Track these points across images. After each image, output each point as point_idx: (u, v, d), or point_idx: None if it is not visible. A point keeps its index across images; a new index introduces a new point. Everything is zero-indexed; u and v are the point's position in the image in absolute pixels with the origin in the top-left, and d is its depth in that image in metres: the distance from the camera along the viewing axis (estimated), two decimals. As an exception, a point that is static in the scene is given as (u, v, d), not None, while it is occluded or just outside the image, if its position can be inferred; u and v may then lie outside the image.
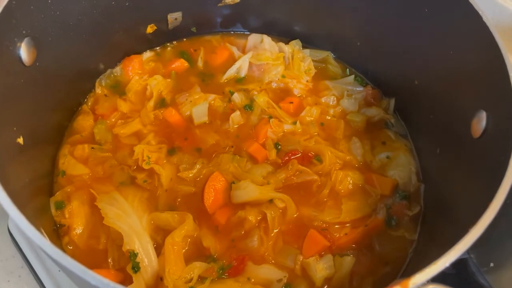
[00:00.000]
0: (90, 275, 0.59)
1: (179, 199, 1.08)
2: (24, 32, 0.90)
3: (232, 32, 1.43)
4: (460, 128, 0.94)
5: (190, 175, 1.11)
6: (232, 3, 1.33)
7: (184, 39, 1.39)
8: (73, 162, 1.11)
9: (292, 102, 1.26)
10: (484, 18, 0.88)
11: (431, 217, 1.07)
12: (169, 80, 1.28)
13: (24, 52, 0.90)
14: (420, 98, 1.15)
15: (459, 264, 1.20)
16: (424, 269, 0.61)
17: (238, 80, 1.31)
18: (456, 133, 0.97)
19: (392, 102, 1.27)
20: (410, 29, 1.10)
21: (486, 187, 0.78)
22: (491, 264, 1.10)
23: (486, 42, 0.87)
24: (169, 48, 1.37)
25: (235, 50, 1.36)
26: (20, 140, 0.91)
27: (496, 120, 0.83)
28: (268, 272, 0.98)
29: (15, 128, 0.89)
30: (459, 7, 0.93)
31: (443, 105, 1.05)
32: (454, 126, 0.98)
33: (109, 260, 0.99)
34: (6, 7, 0.83)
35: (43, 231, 0.83)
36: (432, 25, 1.03)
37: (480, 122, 0.87)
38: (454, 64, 0.99)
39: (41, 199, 1.03)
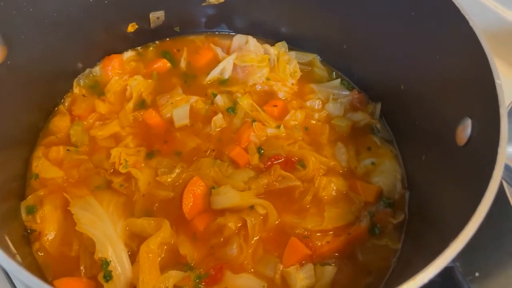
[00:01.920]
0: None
1: (156, 205, 1.05)
2: (-8, 28, 0.86)
3: (216, 33, 1.40)
4: (446, 135, 0.92)
5: (169, 179, 1.07)
6: (216, 2, 1.29)
7: (167, 39, 1.36)
8: (47, 165, 1.07)
9: (276, 106, 1.23)
10: (471, 23, 0.85)
11: (415, 225, 1.04)
12: (150, 80, 1.25)
13: (-7, 49, 0.87)
14: (406, 104, 1.13)
15: (445, 272, 1.19)
16: (401, 285, 0.58)
17: (222, 82, 1.28)
18: (441, 140, 0.95)
19: (378, 106, 1.24)
20: (397, 33, 1.08)
21: (471, 196, 0.76)
22: (476, 274, 1.09)
23: (472, 48, 0.84)
24: (151, 48, 1.33)
25: (219, 51, 1.33)
26: (-11, 141, 0.87)
27: (481, 128, 0.81)
28: (246, 281, 0.95)
29: (-17, 129, 0.85)
30: (446, 11, 0.91)
31: (428, 111, 1.02)
32: (439, 133, 0.96)
33: (81, 268, 0.95)
34: (-27, 2, 0.79)
35: (7, 238, 0.79)
36: (418, 29, 1.01)
37: (465, 129, 0.85)
38: (440, 69, 0.96)
39: (11, 203, 0.99)
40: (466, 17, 0.86)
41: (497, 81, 0.78)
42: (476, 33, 0.84)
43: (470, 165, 0.82)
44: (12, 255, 0.62)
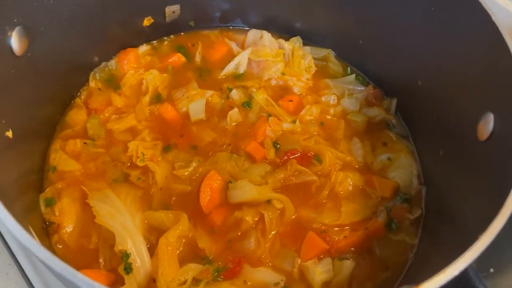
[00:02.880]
0: (80, 278, 0.55)
1: (174, 198, 1.05)
2: (15, 20, 0.86)
3: (231, 27, 1.40)
4: (466, 130, 0.92)
5: (186, 173, 1.07)
6: (231, -3, 1.30)
7: (182, 33, 1.36)
8: (64, 158, 1.07)
9: (291, 100, 1.23)
10: (494, 18, 0.85)
11: (432, 221, 1.04)
12: (166, 75, 1.25)
13: (15, 41, 0.87)
14: (423, 99, 1.13)
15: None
16: (432, 278, 0.58)
17: (237, 77, 1.28)
18: (461, 136, 0.94)
19: (394, 102, 1.24)
20: (415, 28, 1.08)
21: (493, 192, 0.76)
22: (491, 270, 1.09)
23: (494, 43, 0.84)
24: (166, 42, 1.33)
25: (234, 46, 1.33)
26: (9, 133, 0.87)
27: (504, 123, 0.80)
28: (264, 275, 0.95)
29: (4, 121, 0.85)
30: (467, 6, 0.90)
31: (447, 106, 1.02)
32: (459, 128, 0.96)
33: (100, 260, 0.96)
34: (-4, -6, 0.79)
35: (31, 229, 0.80)
36: (438, 24, 1.00)
37: (487, 124, 0.84)
38: (460, 64, 0.96)
39: (30, 196, 0.99)
40: (489, 12, 0.86)
41: (521, 76, 0.77)
42: (498, 27, 0.84)
43: (492, 160, 0.82)
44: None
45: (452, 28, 0.97)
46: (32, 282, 1.06)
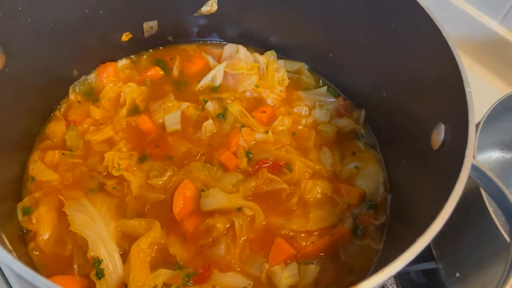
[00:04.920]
0: (41, 281, 0.59)
1: (148, 206, 1.09)
2: (-8, 38, 0.91)
3: (208, 42, 1.45)
4: (422, 140, 0.96)
5: (160, 182, 1.11)
6: (208, 13, 1.35)
7: (160, 48, 1.40)
8: (42, 168, 1.11)
9: (265, 112, 1.28)
10: (444, 33, 0.90)
11: (396, 226, 1.09)
12: (144, 87, 1.29)
13: (-8, 58, 0.91)
14: (388, 110, 1.18)
15: (430, 274, 1.23)
16: (371, 277, 0.62)
17: (213, 89, 1.33)
18: (418, 145, 0.99)
19: (363, 113, 1.29)
20: (378, 43, 1.13)
21: (443, 197, 0.80)
22: (457, 274, 1.13)
23: (445, 56, 0.89)
24: (144, 56, 1.38)
25: (210, 59, 1.38)
26: (-13, 144, 0.91)
27: (453, 133, 0.85)
28: (233, 280, 0.99)
29: (-19, 132, 0.90)
30: (422, 22, 0.95)
31: (407, 117, 1.07)
32: (417, 138, 1.00)
33: (75, 267, 0.99)
34: (-27, 13, 0.84)
35: (4, 237, 0.83)
36: (397, 40, 1.06)
37: (439, 134, 0.89)
38: (417, 77, 1.01)
39: (8, 204, 1.03)
40: (440, 27, 0.91)
41: (467, 89, 0.82)
42: (448, 42, 0.89)
43: (444, 168, 0.87)
44: (8, 251, 0.66)
45: (409, 42, 1.02)
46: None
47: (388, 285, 1.23)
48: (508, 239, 0.85)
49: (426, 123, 0.95)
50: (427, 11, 0.93)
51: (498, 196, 0.81)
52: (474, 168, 0.80)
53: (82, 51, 1.23)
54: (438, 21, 0.92)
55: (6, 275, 1.10)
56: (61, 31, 1.12)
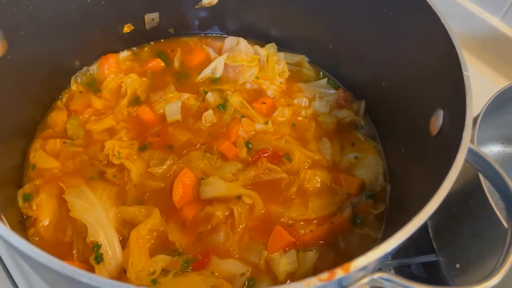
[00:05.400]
0: (51, 260, 0.59)
1: (147, 194, 1.09)
2: (-6, 23, 0.92)
3: (209, 35, 1.46)
4: (421, 127, 0.96)
5: (160, 171, 1.12)
6: (208, 5, 1.36)
7: (162, 40, 1.42)
8: (44, 156, 1.12)
9: (265, 103, 1.29)
10: (442, 20, 0.91)
11: (395, 215, 1.09)
12: (145, 79, 1.30)
13: (-6, 43, 0.92)
14: (387, 100, 1.18)
15: (430, 267, 1.23)
16: (366, 254, 0.63)
17: (213, 81, 1.34)
18: (417, 133, 0.99)
19: (363, 104, 1.29)
20: (377, 34, 1.13)
21: (439, 183, 0.80)
22: (457, 266, 1.12)
23: (444, 43, 0.89)
24: (146, 48, 1.39)
25: (211, 52, 1.39)
26: (-11, 129, 0.92)
27: (451, 118, 0.86)
28: (231, 266, 0.99)
29: (-17, 118, 0.91)
30: (421, 10, 0.96)
31: (406, 106, 1.08)
32: (416, 126, 1.01)
33: (74, 252, 1.00)
34: (-24, -1, 0.85)
35: (5, 221, 0.84)
36: (397, 29, 1.06)
37: (438, 120, 0.90)
38: (416, 66, 1.02)
39: (9, 191, 1.04)
40: (438, 14, 0.92)
41: (465, 73, 0.83)
42: (447, 28, 0.89)
43: (441, 154, 0.87)
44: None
45: (408, 31, 1.02)
46: (16, 281, 1.09)
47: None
48: (506, 224, 0.85)
49: (425, 110, 0.95)
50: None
51: (497, 180, 0.81)
52: (472, 152, 0.80)
53: (84, 42, 1.24)
54: (436, 7, 0.92)
55: (8, 268, 1.11)
56: (63, 21, 1.13)
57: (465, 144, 0.74)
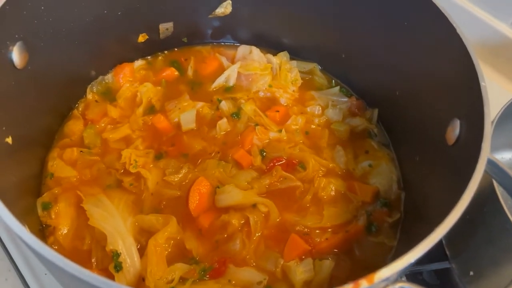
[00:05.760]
0: (75, 268, 0.61)
1: (164, 203, 1.11)
2: (16, 36, 0.93)
3: (222, 43, 1.47)
4: (437, 136, 0.97)
5: (176, 179, 1.13)
6: (222, 15, 1.37)
7: (175, 49, 1.43)
8: (61, 165, 1.13)
9: (278, 111, 1.30)
10: (458, 30, 0.92)
11: (410, 223, 1.09)
12: (159, 87, 1.32)
13: (16, 55, 0.93)
14: (401, 109, 1.19)
15: (443, 275, 1.23)
16: (390, 264, 0.63)
17: (227, 89, 1.35)
18: (433, 141, 1.00)
19: (376, 112, 1.30)
20: (391, 42, 1.15)
21: (458, 192, 0.80)
22: (471, 273, 1.12)
23: (460, 53, 0.90)
24: (160, 57, 1.41)
25: (224, 60, 1.40)
26: (9, 139, 0.93)
27: (468, 127, 0.86)
28: (248, 274, 1.00)
29: (4, 128, 0.92)
30: (436, 20, 0.97)
31: (422, 114, 1.08)
32: (431, 135, 1.01)
33: (93, 261, 1.01)
34: (-1, 12, 0.87)
35: (27, 228, 0.85)
36: (411, 38, 1.07)
37: (454, 130, 0.90)
38: (431, 75, 1.03)
39: (28, 200, 1.05)
40: (454, 25, 0.93)
41: (482, 83, 0.84)
42: (463, 39, 0.90)
43: (459, 163, 0.88)
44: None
45: (423, 41, 1.03)
46: (31, 287, 1.11)
47: None
48: (523, 233, 0.85)
49: (440, 119, 0.96)
50: (441, 10, 0.95)
51: (514, 190, 0.81)
52: (490, 162, 0.81)
53: (100, 52, 1.26)
54: (452, 19, 0.93)
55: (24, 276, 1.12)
56: (80, 31, 1.14)
57: (485, 154, 0.75)
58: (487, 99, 0.81)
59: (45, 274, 1.16)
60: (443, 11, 0.96)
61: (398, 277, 0.71)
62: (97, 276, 0.59)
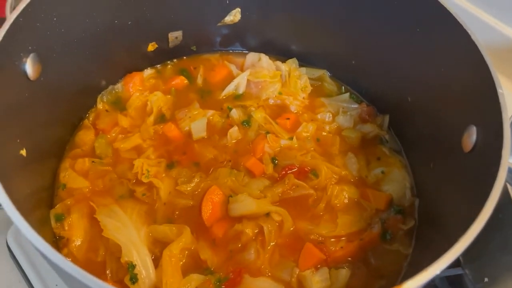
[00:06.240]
0: (91, 280, 0.60)
1: (177, 212, 1.10)
2: (30, 48, 0.93)
3: (231, 51, 1.47)
4: (452, 143, 0.97)
5: (188, 188, 1.13)
6: (231, 23, 1.37)
7: (184, 57, 1.43)
8: (73, 176, 1.13)
9: (288, 118, 1.29)
10: (473, 37, 0.92)
11: (425, 231, 1.09)
12: (169, 96, 1.32)
13: (30, 67, 0.93)
14: (413, 115, 1.18)
15: (455, 281, 1.22)
16: (415, 277, 0.63)
17: (236, 97, 1.35)
18: (448, 148, 1.00)
19: (387, 118, 1.30)
20: (402, 48, 1.14)
21: (477, 199, 0.80)
22: (486, 279, 1.11)
23: (475, 60, 0.90)
24: (169, 66, 1.41)
25: (233, 68, 1.40)
26: (23, 152, 0.93)
27: (486, 134, 0.86)
28: (264, 284, 0.99)
29: (18, 140, 0.92)
30: (449, 27, 0.97)
31: (435, 121, 1.08)
32: (446, 141, 1.01)
33: (107, 272, 1.00)
34: (13, 24, 0.86)
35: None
36: (423, 44, 1.07)
37: (471, 136, 0.90)
38: (445, 81, 1.02)
39: (41, 211, 1.05)
40: (468, 32, 0.92)
41: (499, 90, 0.83)
42: (478, 46, 0.90)
43: (476, 170, 0.87)
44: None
45: (436, 47, 1.03)
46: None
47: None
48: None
49: (455, 126, 0.96)
50: (454, 16, 0.95)
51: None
52: (511, 170, 0.80)
53: (110, 61, 1.26)
54: (466, 25, 0.93)
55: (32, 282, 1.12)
56: (91, 42, 1.14)
57: (505, 162, 0.75)
58: (505, 106, 0.81)
59: (56, 285, 1.15)
60: (456, 17, 0.95)
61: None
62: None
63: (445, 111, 1.03)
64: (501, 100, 0.81)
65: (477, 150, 0.88)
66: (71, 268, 0.61)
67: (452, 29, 0.96)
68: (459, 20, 0.94)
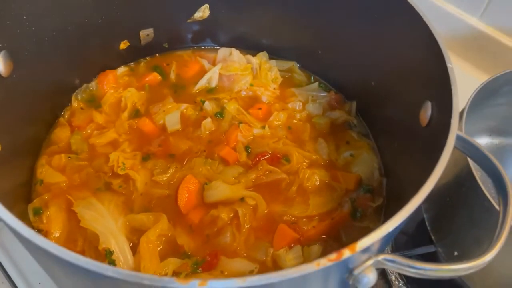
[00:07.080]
0: (71, 255, 0.63)
1: (153, 202, 1.13)
2: (0, 45, 0.95)
3: (202, 47, 1.51)
4: (411, 120, 1.02)
5: (164, 178, 1.16)
6: (200, 19, 1.41)
7: (157, 55, 1.46)
8: (50, 171, 1.15)
9: (260, 108, 1.34)
10: (425, 19, 0.97)
11: (392, 207, 1.13)
12: (143, 92, 1.35)
13: (1, 64, 0.96)
14: (377, 99, 1.24)
15: (429, 258, 1.27)
16: (369, 235, 0.67)
17: (209, 90, 1.38)
18: (408, 126, 1.05)
19: (354, 104, 1.35)
20: (363, 35, 1.19)
21: (431, 168, 0.84)
22: (455, 253, 1.16)
23: (427, 40, 0.95)
24: (142, 63, 1.44)
25: (205, 63, 1.44)
26: (-1, 148, 0.96)
27: (439, 108, 0.91)
28: (239, 265, 1.03)
29: (-6, 137, 0.94)
30: (404, 11, 1.02)
31: (396, 102, 1.13)
32: (407, 120, 1.06)
33: (86, 261, 1.02)
34: (-17, 22, 0.89)
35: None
36: (381, 30, 1.12)
37: (427, 111, 0.95)
38: (401, 62, 1.08)
39: (20, 206, 1.07)
40: (421, 14, 0.98)
41: (448, 65, 0.88)
42: (429, 26, 0.95)
43: (433, 142, 0.91)
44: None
45: (393, 31, 1.08)
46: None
47: (393, 280, 1.26)
48: (497, 207, 0.89)
49: (414, 104, 1.01)
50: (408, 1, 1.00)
51: (486, 163, 0.85)
52: (461, 139, 0.85)
53: (83, 60, 1.29)
54: (419, 8, 0.98)
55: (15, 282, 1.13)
56: (63, 40, 1.17)
57: (454, 129, 0.80)
58: (454, 79, 0.86)
59: (39, 283, 1.17)
60: (410, 1, 1.01)
61: (382, 250, 0.75)
62: (94, 261, 0.61)
63: (404, 91, 1.09)
64: (450, 74, 0.87)
65: (433, 123, 0.93)
66: (53, 247, 0.63)
67: (405, 12, 1.01)
68: (411, 3, 0.99)
